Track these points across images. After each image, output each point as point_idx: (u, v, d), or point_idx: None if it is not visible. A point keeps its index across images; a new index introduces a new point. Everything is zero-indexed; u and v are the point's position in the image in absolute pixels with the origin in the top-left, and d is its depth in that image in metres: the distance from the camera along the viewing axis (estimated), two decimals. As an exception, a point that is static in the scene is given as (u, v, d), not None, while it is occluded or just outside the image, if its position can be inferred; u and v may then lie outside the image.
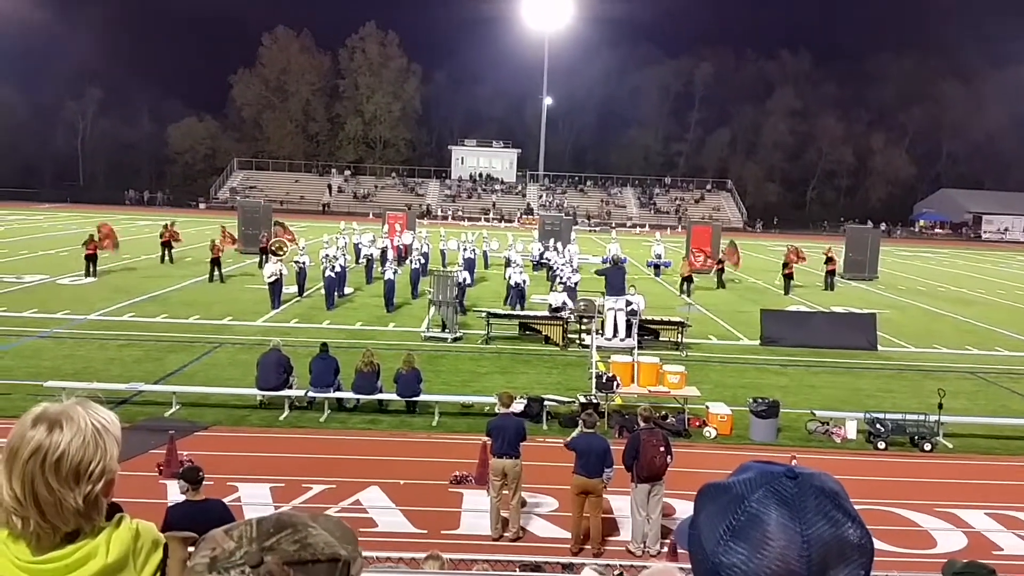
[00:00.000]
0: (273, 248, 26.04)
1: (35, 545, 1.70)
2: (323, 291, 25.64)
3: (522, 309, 24.66)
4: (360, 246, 33.48)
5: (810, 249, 41.44)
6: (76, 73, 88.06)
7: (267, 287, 24.84)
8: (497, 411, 11.09)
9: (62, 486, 1.67)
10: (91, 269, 29.39)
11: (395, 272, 25.74)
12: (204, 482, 7.96)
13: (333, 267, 25.37)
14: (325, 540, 1.20)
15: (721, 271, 34.44)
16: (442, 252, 36.28)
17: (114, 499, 1.83)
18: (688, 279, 30.83)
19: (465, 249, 31.67)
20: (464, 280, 25.16)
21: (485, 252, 35.99)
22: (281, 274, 24.71)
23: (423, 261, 30.20)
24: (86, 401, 1.75)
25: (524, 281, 26.01)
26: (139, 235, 45.20)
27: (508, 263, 29.11)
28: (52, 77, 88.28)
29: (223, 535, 1.19)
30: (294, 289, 26.40)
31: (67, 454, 1.66)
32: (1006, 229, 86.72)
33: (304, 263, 26.59)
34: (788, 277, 32.57)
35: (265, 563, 1.13)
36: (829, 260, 34.67)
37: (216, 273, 29.74)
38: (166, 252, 34.68)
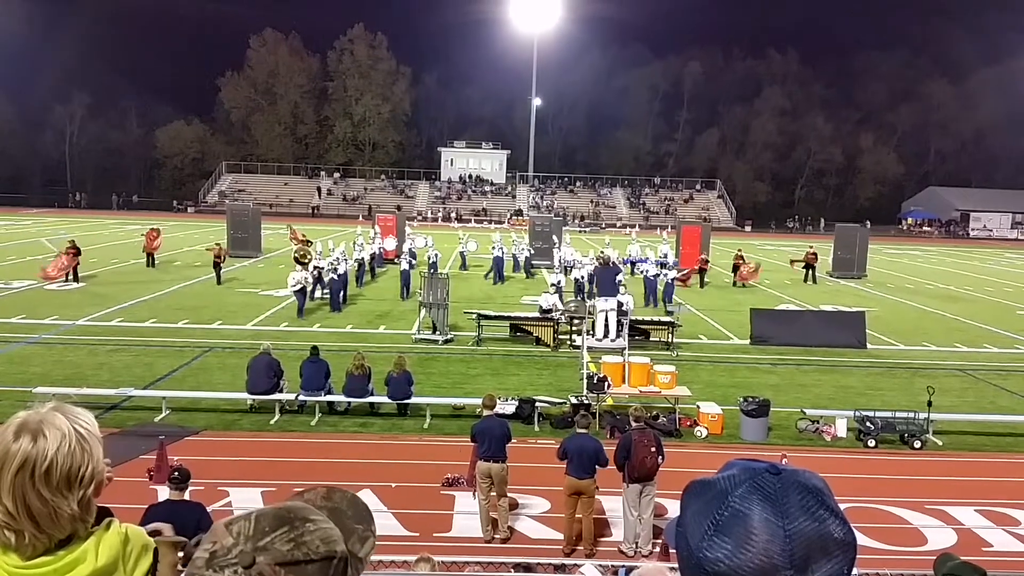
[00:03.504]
0: (297, 256, 25.89)
1: (29, 554, 1.70)
2: (324, 294, 25.85)
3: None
4: (381, 248, 33.70)
5: (793, 248, 41.51)
6: (63, 78, 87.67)
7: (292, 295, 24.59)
8: (482, 414, 11.09)
9: (55, 495, 1.66)
10: (70, 274, 29.01)
11: (410, 264, 28.86)
12: (189, 485, 8.04)
13: (335, 269, 25.42)
14: (322, 536, 1.19)
15: (704, 271, 34.42)
16: (462, 255, 36.78)
17: (104, 504, 1.83)
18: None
19: (494, 248, 34.04)
20: (559, 282, 26.79)
21: (514, 255, 36.36)
22: (306, 281, 24.44)
23: (438, 255, 32.63)
24: (62, 406, 1.73)
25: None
26: (128, 239, 44.99)
27: (570, 268, 31.24)
28: (39, 82, 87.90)
29: (223, 530, 1.19)
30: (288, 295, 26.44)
31: (56, 462, 1.65)
32: (993, 227, 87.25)
33: (321, 267, 26.62)
34: (735, 268, 34.53)
35: (257, 563, 1.13)
36: (811, 257, 36.46)
37: (217, 276, 29.85)
38: (149, 257, 34.56)
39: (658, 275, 28.25)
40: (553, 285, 26.28)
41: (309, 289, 24.83)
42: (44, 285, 27.63)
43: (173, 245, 42.05)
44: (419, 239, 36.23)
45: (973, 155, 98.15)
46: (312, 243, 31.30)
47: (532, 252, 37.15)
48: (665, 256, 37.21)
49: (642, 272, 30.56)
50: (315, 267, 26.30)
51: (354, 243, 32.07)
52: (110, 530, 1.80)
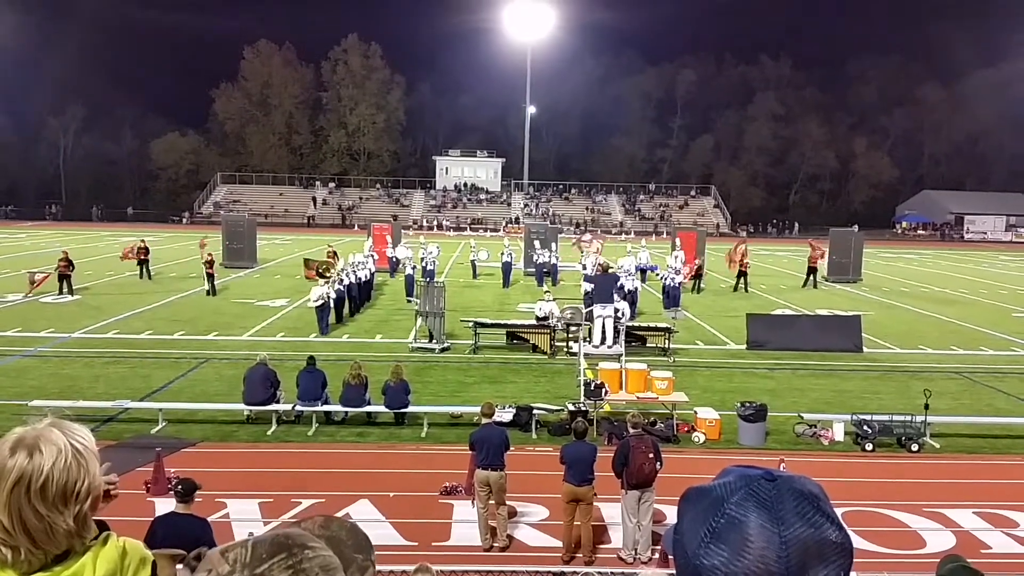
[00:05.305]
0: (321, 271, 25.56)
1: (25, 570, 1.69)
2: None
3: (632, 318, 23.85)
4: (425, 258, 33.59)
5: (787, 252, 41.61)
6: (58, 90, 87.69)
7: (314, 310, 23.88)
8: (480, 422, 11.07)
9: (51, 511, 1.65)
10: (65, 287, 28.96)
11: (413, 268, 31.24)
12: (195, 498, 7.97)
13: (341, 280, 25.32)
14: (322, 563, 1.16)
15: (699, 276, 34.38)
16: (473, 263, 36.86)
17: (101, 517, 1.83)
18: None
19: (503, 254, 35.86)
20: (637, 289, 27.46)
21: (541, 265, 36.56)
22: (328, 297, 23.70)
23: (435, 263, 34.25)
24: (59, 422, 1.74)
25: (636, 289, 27.02)
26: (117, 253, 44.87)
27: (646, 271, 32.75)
28: (34, 95, 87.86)
29: (219, 557, 1.15)
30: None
31: (51, 478, 1.65)
32: (987, 230, 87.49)
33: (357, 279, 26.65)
34: (742, 275, 34.64)
35: None
36: (811, 263, 36.60)
37: (211, 286, 29.80)
38: (143, 268, 34.39)
39: (679, 281, 28.60)
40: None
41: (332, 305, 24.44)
42: (33, 297, 27.56)
43: (168, 256, 42.03)
44: (431, 247, 36.41)
45: (967, 158, 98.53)
46: (338, 257, 31.26)
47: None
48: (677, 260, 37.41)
49: (661, 278, 30.64)
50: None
51: (370, 255, 32.18)
52: (107, 544, 1.79)
